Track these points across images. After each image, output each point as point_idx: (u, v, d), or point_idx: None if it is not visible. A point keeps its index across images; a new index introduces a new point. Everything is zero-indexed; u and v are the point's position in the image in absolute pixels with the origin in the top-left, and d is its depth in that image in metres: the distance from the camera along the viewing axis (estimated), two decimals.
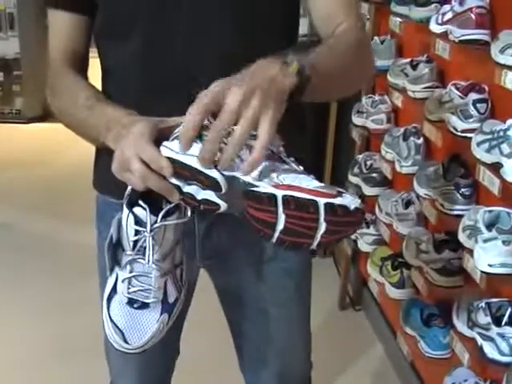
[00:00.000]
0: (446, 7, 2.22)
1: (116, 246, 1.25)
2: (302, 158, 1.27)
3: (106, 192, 1.52)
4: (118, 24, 1.39)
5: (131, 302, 1.23)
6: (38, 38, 6.07)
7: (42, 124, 6.31)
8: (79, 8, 1.44)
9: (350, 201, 1.02)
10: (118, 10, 1.38)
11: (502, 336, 1.87)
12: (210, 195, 1.10)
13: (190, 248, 1.48)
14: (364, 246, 3.13)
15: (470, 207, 2.12)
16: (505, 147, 1.84)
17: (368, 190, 3.06)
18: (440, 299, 2.47)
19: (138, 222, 1.19)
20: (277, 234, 1.02)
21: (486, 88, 2.11)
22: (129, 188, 1.20)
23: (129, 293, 1.23)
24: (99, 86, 1.48)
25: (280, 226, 1.02)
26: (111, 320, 1.24)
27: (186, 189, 1.12)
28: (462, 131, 2.12)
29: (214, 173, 1.07)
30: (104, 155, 1.29)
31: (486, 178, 1.92)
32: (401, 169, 2.60)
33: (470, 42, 2.07)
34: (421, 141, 2.55)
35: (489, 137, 1.93)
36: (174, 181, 1.13)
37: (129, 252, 1.22)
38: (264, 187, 1.03)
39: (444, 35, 2.19)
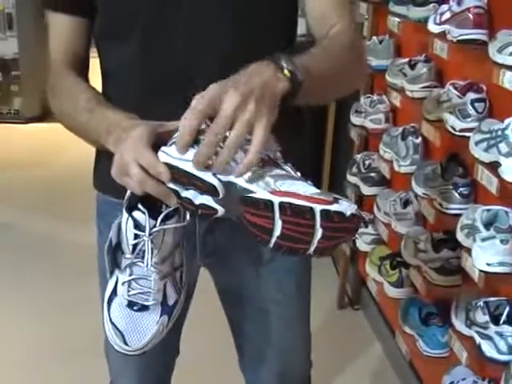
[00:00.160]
0: (444, 7, 2.22)
1: (116, 250, 1.26)
2: (300, 162, 1.28)
3: (106, 191, 1.52)
4: (117, 25, 1.39)
5: (131, 305, 1.24)
6: (36, 39, 6.09)
7: (41, 124, 6.31)
8: (78, 10, 1.44)
9: (346, 207, 1.03)
10: (117, 11, 1.38)
11: (500, 335, 1.87)
12: (207, 200, 1.11)
13: (191, 246, 1.49)
14: (362, 245, 3.14)
15: (468, 206, 2.12)
16: (503, 146, 1.85)
17: (366, 190, 3.06)
18: (438, 298, 2.47)
19: (138, 225, 1.20)
20: (274, 240, 1.03)
21: (484, 87, 2.12)
22: (128, 192, 1.21)
23: (129, 295, 1.24)
24: (99, 87, 1.48)
25: (277, 231, 1.03)
26: (111, 322, 1.25)
27: (184, 194, 1.13)
28: (460, 131, 2.12)
29: (211, 178, 1.08)
30: (104, 155, 1.30)
31: (484, 177, 1.93)
32: (399, 168, 2.61)
33: (467, 41, 2.07)
34: (419, 140, 2.55)
35: (487, 136, 1.93)
36: (171, 186, 1.14)
37: (128, 255, 1.23)
38: (261, 193, 1.04)
39: (442, 35, 2.20)
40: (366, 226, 3.11)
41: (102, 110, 1.32)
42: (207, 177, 1.09)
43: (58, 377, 2.89)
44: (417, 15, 2.45)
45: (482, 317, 1.95)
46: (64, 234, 4.22)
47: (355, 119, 3.13)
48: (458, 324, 2.13)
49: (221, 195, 1.09)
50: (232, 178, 1.08)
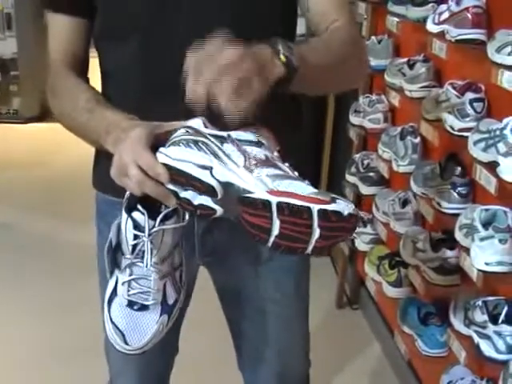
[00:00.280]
0: (443, 7, 2.22)
1: (116, 250, 1.27)
2: (299, 159, 1.28)
3: (106, 191, 1.52)
4: (117, 25, 1.40)
5: (131, 304, 1.25)
6: (35, 38, 6.08)
7: (40, 124, 6.30)
8: (78, 11, 1.44)
9: (343, 206, 1.04)
10: (117, 12, 1.38)
11: (499, 334, 1.87)
12: (206, 200, 1.12)
13: (190, 245, 1.49)
14: (361, 245, 3.14)
15: (467, 206, 2.13)
16: (501, 146, 1.85)
17: (365, 189, 3.07)
18: (437, 298, 2.48)
19: (137, 226, 1.21)
20: (272, 239, 1.04)
21: (483, 87, 2.12)
22: (127, 193, 1.22)
23: (129, 295, 1.25)
24: (99, 87, 1.48)
25: (275, 231, 1.04)
26: (112, 321, 1.26)
27: (183, 194, 1.14)
28: (459, 130, 2.12)
29: (209, 179, 1.09)
30: (104, 155, 1.30)
31: (482, 176, 1.93)
32: (398, 168, 2.61)
33: (466, 41, 2.08)
34: (418, 140, 2.56)
35: (485, 136, 1.94)
36: (170, 186, 1.15)
37: (128, 256, 1.24)
38: (259, 193, 1.05)
39: (441, 35, 2.20)
40: (365, 226, 3.12)
41: (101, 111, 1.32)
42: (205, 177, 1.10)
43: (58, 377, 2.89)
44: (415, 15, 2.46)
45: (480, 316, 1.96)
46: (64, 233, 4.22)
47: (354, 119, 3.13)
48: (457, 323, 2.13)
49: (219, 196, 1.10)
50: (230, 179, 1.08)
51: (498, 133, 1.88)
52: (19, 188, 4.98)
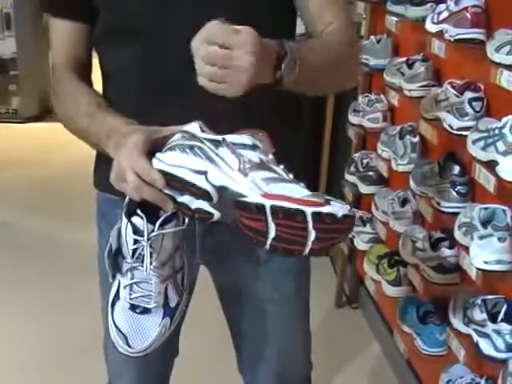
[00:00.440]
0: (442, 6, 2.23)
1: (117, 254, 1.28)
2: (299, 159, 1.29)
3: (107, 190, 1.52)
4: (117, 26, 1.40)
5: (133, 308, 1.27)
6: (34, 38, 6.10)
7: (39, 124, 6.31)
8: (78, 16, 1.45)
9: (337, 208, 1.04)
10: (117, 12, 1.39)
11: (498, 332, 1.88)
12: (203, 205, 1.13)
13: (190, 245, 1.50)
14: (360, 244, 3.14)
15: (466, 205, 2.13)
16: (500, 145, 1.85)
17: (364, 189, 3.07)
18: (436, 296, 2.48)
19: (136, 231, 1.23)
20: (269, 242, 1.05)
21: (482, 86, 2.12)
22: (127, 198, 1.24)
23: (131, 299, 1.26)
24: (100, 88, 1.49)
25: (271, 234, 1.04)
26: (115, 324, 1.27)
27: (180, 199, 1.16)
28: (458, 129, 2.13)
29: (204, 184, 1.11)
30: (105, 155, 1.31)
31: (481, 175, 1.93)
32: (397, 167, 2.61)
33: (465, 40, 2.08)
34: (417, 139, 2.56)
35: (484, 135, 1.94)
36: (167, 191, 1.16)
37: (129, 260, 1.25)
38: (253, 197, 1.06)
39: (440, 34, 2.21)
40: (364, 225, 3.12)
41: (102, 115, 1.34)
42: (200, 182, 1.11)
43: (58, 377, 2.89)
44: (414, 14, 2.46)
45: (479, 315, 1.96)
46: (64, 233, 4.22)
47: (353, 118, 3.13)
48: (456, 322, 2.13)
49: (215, 200, 1.11)
50: (225, 183, 1.09)
51: (496, 132, 1.88)
52: (19, 187, 4.98)
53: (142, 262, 1.24)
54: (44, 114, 6.27)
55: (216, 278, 1.69)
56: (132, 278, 1.26)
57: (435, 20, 2.24)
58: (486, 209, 1.96)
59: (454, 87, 2.20)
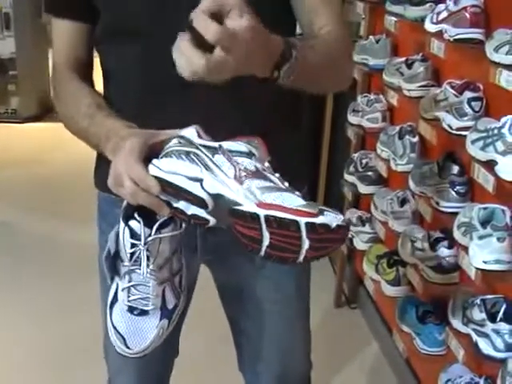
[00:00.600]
0: (441, 6, 2.23)
1: (115, 257, 1.29)
2: (298, 159, 1.28)
3: (108, 190, 1.52)
4: (118, 26, 1.40)
5: (131, 310, 1.28)
6: (33, 38, 6.11)
7: (38, 124, 6.32)
8: (80, 16, 1.45)
9: (331, 219, 1.04)
10: (118, 12, 1.39)
11: (497, 332, 1.88)
12: (199, 211, 1.14)
13: (191, 244, 1.50)
14: (359, 244, 3.14)
15: (465, 205, 2.13)
16: (499, 145, 1.86)
17: (363, 189, 3.07)
18: (435, 296, 2.48)
19: (134, 235, 1.24)
20: (264, 249, 1.06)
21: (481, 86, 2.13)
22: (125, 202, 1.25)
23: (129, 301, 1.28)
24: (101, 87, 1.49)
25: (265, 242, 1.05)
26: (113, 326, 1.29)
27: (177, 204, 1.17)
28: (457, 129, 2.13)
29: (199, 191, 1.11)
30: (105, 155, 1.31)
31: (480, 175, 1.94)
32: (396, 167, 2.62)
33: (464, 40, 2.08)
34: (416, 139, 2.56)
35: (483, 135, 1.94)
36: (163, 197, 1.17)
37: (126, 263, 1.27)
38: (248, 206, 1.06)
39: (439, 34, 2.21)
40: (363, 225, 3.12)
41: (101, 116, 1.34)
42: (196, 190, 1.12)
43: (58, 377, 2.89)
44: (413, 14, 2.46)
45: (478, 314, 1.96)
46: (64, 233, 4.21)
47: (352, 118, 3.13)
48: (455, 322, 2.13)
49: (210, 207, 1.12)
50: (220, 190, 1.10)
51: (495, 132, 1.88)
52: (18, 187, 4.98)
53: (140, 265, 1.25)
54: (43, 113, 6.28)
55: (217, 278, 1.69)
56: (130, 281, 1.27)
57: (434, 20, 2.24)
58: (485, 209, 1.97)
59: (453, 87, 2.21)
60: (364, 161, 3.10)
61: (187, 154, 1.15)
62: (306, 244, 1.04)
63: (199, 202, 1.12)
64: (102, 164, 1.51)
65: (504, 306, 1.92)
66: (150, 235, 1.23)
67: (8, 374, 2.92)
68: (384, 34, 2.96)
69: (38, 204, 4.64)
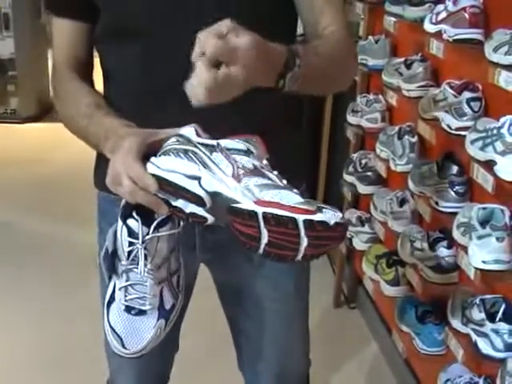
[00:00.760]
0: (440, 7, 2.23)
1: (113, 256, 1.29)
2: (298, 159, 1.27)
3: (107, 189, 1.53)
4: (118, 25, 1.40)
5: (129, 309, 1.28)
6: (33, 39, 6.11)
7: (37, 124, 6.32)
8: (80, 15, 1.45)
9: (329, 216, 1.04)
10: (118, 12, 1.39)
11: (496, 332, 1.88)
12: (197, 209, 1.14)
13: (190, 243, 1.50)
14: (359, 244, 3.14)
15: (464, 205, 2.14)
16: (498, 145, 1.86)
17: (363, 189, 3.07)
18: (435, 296, 2.48)
19: (131, 233, 1.24)
20: (262, 247, 1.06)
21: (480, 87, 2.13)
22: (123, 201, 1.25)
23: (126, 300, 1.27)
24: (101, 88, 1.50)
25: (264, 239, 1.05)
26: (110, 326, 1.28)
27: (175, 203, 1.17)
28: (456, 129, 2.13)
29: (197, 189, 1.11)
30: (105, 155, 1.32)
31: (479, 175, 1.94)
32: (395, 167, 2.62)
33: (463, 41, 2.09)
34: (415, 139, 2.56)
35: (482, 135, 1.94)
36: (162, 195, 1.17)
37: (124, 262, 1.26)
38: (246, 203, 1.06)
39: (438, 34, 2.21)
40: (363, 225, 3.13)
41: (100, 117, 1.34)
42: (194, 188, 1.12)
43: (58, 378, 2.88)
44: (413, 15, 2.47)
45: (478, 314, 1.96)
46: (64, 233, 4.21)
47: (351, 118, 3.14)
48: (455, 322, 2.14)
49: (208, 205, 1.12)
50: (218, 188, 1.10)
51: (495, 132, 1.88)
52: (18, 187, 4.97)
53: (137, 264, 1.25)
54: (42, 114, 6.27)
55: (216, 277, 1.69)
56: (127, 280, 1.27)
57: (433, 20, 2.24)
58: (484, 209, 1.97)
59: (452, 87, 2.21)
60: (363, 161, 3.10)
61: (185, 152, 1.15)
62: (305, 241, 1.03)
63: (197, 200, 1.12)
64: (102, 163, 1.51)
65: (503, 306, 1.92)
66: (147, 234, 1.23)
67: (8, 373, 2.91)
68: (383, 35, 2.96)
69: (37, 204, 4.64)
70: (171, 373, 1.83)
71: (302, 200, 1.06)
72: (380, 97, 2.95)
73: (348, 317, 3.45)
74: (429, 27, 2.27)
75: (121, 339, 1.26)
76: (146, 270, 1.24)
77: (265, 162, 1.14)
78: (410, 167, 2.53)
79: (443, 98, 2.22)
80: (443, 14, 2.19)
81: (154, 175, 1.16)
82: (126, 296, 1.27)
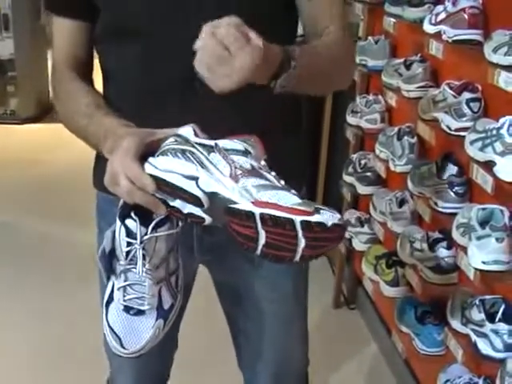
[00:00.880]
0: (440, 7, 2.24)
1: (111, 256, 1.29)
2: (298, 159, 1.27)
3: (106, 189, 1.53)
4: (118, 26, 1.40)
5: (127, 309, 1.27)
6: (32, 39, 6.11)
7: (37, 124, 6.32)
8: (79, 14, 1.46)
9: (327, 217, 1.04)
10: (118, 11, 1.39)
11: (496, 332, 1.88)
12: (195, 210, 1.14)
13: (188, 244, 1.51)
14: (358, 244, 3.14)
15: (464, 205, 2.14)
16: (498, 145, 1.86)
17: (362, 189, 3.07)
18: (434, 297, 2.48)
19: (130, 233, 1.24)
20: (260, 248, 1.06)
21: (479, 87, 2.13)
22: (121, 201, 1.24)
23: (124, 300, 1.27)
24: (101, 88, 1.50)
25: (261, 240, 1.05)
26: (109, 325, 1.28)
27: (173, 203, 1.17)
28: (456, 130, 2.13)
29: (195, 190, 1.12)
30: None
31: (479, 176, 1.94)
32: (395, 168, 2.62)
33: (463, 41, 2.09)
34: (414, 140, 2.56)
35: (482, 135, 1.95)
36: (159, 196, 1.17)
37: (122, 262, 1.26)
38: (243, 204, 1.06)
39: (437, 35, 2.21)
40: (362, 226, 3.13)
41: (99, 116, 1.34)
42: (191, 188, 1.12)
43: (58, 377, 2.89)
44: (412, 16, 2.47)
45: (477, 315, 1.97)
46: (64, 233, 4.21)
47: (351, 119, 3.14)
48: (454, 322, 2.13)
49: (205, 206, 1.12)
50: (216, 189, 1.10)
51: (494, 132, 1.89)
52: (18, 187, 4.97)
53: (136, 264, 1.24)
54: (42, 114, 6.27)
55: (215, 278, 1.70)
56: (126, 280, 1.26)
57: (433, 21, 2.25)
58: (483, 209, 1.97)
59: (451, 88, 2.21)
60: (363, 161, 3.10)
61: (183, 152, 1.15)
62: (302, 243, 1.04)
63: (195, 201, 1.12)
64: (101, 164, 1.51)
65: (503, 307, 1.93)
66: (146, 234, 1.23)
67: (8, 373, 2.91)
68: (383, 35, 2.96)
69: (37, 204, 4.64)
70: (171, 372, 1.83)
71: (299, 201, 1.06)
72: (379, 97, 2.95)
73: (348, 317, 3.45)
74: (428, 28, 2.28)
75: (119, 339, 1.26)
76: (145, 270, 1.24)
77: (263, 162, 1.15)
78: (410, 168, 2.53)
79: (443, 98, 2.22)
80: (443, 15, 2.19)
81: (151, 175, 1.16)
82: (124, 296, 1.27)
